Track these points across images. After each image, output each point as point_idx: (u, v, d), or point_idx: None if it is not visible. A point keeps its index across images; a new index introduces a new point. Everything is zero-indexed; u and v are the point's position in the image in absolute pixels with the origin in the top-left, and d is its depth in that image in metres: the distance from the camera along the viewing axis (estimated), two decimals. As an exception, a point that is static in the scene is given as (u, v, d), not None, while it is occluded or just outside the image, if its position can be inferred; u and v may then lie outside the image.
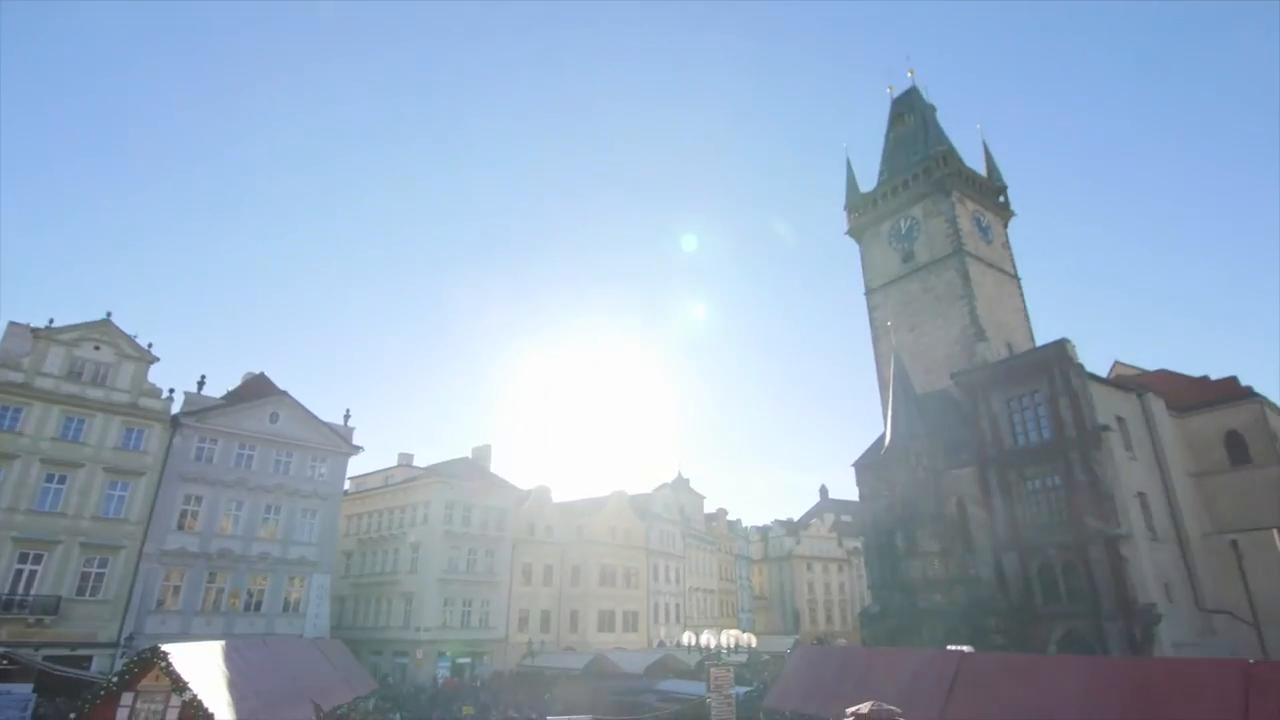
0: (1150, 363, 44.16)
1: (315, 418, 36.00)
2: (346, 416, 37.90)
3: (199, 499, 31.14)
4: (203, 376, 37.14)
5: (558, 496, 51.60)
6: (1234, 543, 31.71)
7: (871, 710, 8.59)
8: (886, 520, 37.70)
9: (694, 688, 24.41)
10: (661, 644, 47.91)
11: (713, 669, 17.47)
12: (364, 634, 41.94)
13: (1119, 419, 33.70)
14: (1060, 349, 34.10)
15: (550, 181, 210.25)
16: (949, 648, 19.98)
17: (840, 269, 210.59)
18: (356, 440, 37.60)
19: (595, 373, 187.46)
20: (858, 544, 64.25)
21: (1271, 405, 37.83)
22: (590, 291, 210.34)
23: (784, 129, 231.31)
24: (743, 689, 21.47)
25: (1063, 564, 31.17)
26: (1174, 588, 31.27)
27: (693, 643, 22.44)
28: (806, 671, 19.02)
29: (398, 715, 26.36)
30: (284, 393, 35.47)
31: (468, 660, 40.90)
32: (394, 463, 53.86)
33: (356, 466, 50.07)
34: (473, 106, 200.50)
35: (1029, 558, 32.30)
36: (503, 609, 43.61)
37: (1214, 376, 40.54)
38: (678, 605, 55.30)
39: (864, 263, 51.50)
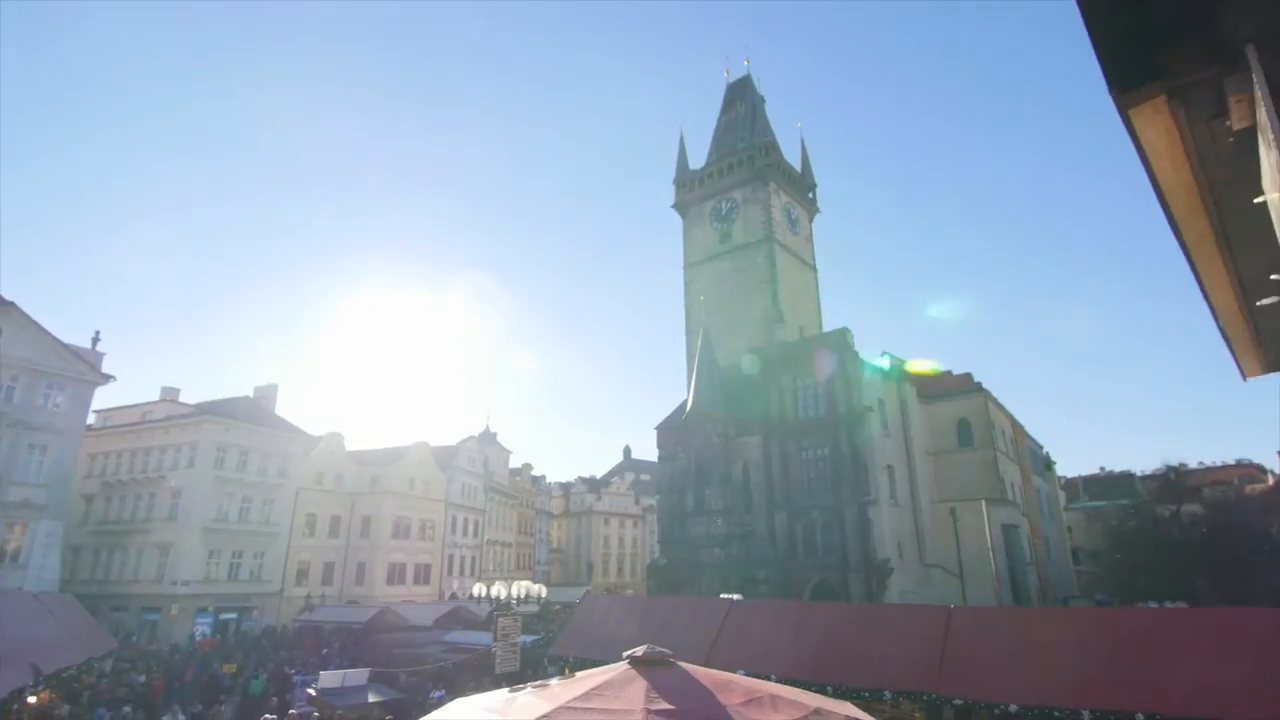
0: (911, 355, 51.03)
1: (52, 338, 30.18)
2: (95, 340, 32.21)
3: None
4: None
5: (353, 445, 48.56)
6: (953, 510, 38.11)
7: (645, 652, 9.03)
8: (680, 481, 40.25)
9: (481, 638, 24.49)
10: (454, 596, 47.42)
11: (500, 619, 17.60)
12: (105, 588, 36.64)
13: (880, 402, 38.75)
14: (841, 336, 38.28)
15: (371, 110, 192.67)
16: (722, 596, 21.95)
17: (664, 241, 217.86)
18: (109, 368, 32.18)
19: (403, 322, 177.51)
20: (653, 502, 68.03)
21: (993, 399, 45.62)
22: (403, 237, 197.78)
23: (633, 99, 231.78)
24: (530, 638, 21.92)
25: (822, 524, 35.51)
26: (905, 545, 36.97)
27: (483, 594, 22.45)
28: (593, 619, 19.82)
29: (142, 677, 23.48)
30: (10, 304, 29.24)
31: (233, 616, 37.47)
32: (156, 397, 47.06)
33: (107, 399, 43.15)
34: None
35: (796, 518, 36.37)
36: (279, 561, 40.37)
37: (956, 371, 48.00)
38: (474, 558, 54.94)
39: (686, 238, 53.58)
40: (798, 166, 55.41)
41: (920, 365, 49.18)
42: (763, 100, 58.19)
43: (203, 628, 35.13)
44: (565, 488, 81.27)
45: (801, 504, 36.43)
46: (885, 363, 47.66)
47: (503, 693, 9.23)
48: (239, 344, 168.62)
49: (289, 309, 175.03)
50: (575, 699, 7.92)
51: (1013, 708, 12.23)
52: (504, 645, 17.27)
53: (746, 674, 11.89)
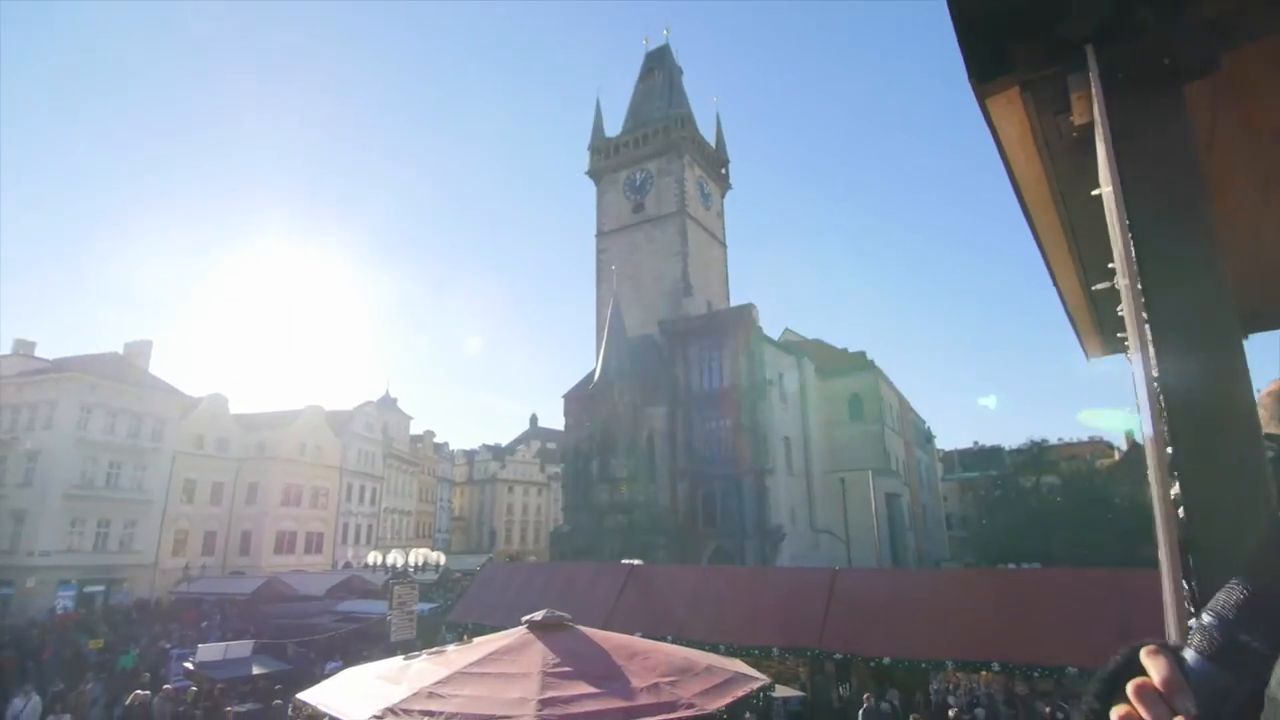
0: (811, 332, 53.32)
1: None
2: (-72, 283, 28.43)
3: None
4: None
5: (240, 408, 45.72)
6: (842, 479, 40.41)
7: (544, 617, 9.08)
8: (586, 449, 40.47)
9: (377, 607, 23.93)
10: (348, 565, 45.93)
11: (396, 586, 17.26)
12: (-58, 560, 32.98)
13: (780, 375, 40.29)
14: (746, 311, 39.34)
15: (272, 53, 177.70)
16: (623, 561, 22.40)
17: (576, 208, 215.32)
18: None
19: (297, 280, 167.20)
20: (559, 470, 68.15)
21: (883, 376, 48.39)
22: (298, 190, 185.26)
23: (550, 57, 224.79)
24: (427, 606, 21.62)
25: (721, 492, 36.80)
26: (797, 512, 38.93)
27: (379, 563, 21.88)
28: (493, 586, 19.79)
29: (-11, 655, 21.43)
30: None
31: (101, 589, 34.75)
32: (7, 351, 42.28)
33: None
34: None
35: (697, 486, 37.49)
36: (153, 530, 37.66)
37: (851, 349, 50.54)
38: (371, 526, 53.32)
39: (599, 205, 53.07)
40: (712, 141, 55.86)
41: (818, 342, 51.43)
42: (681, 72, 58.02)
43: (64, 601, 32.40)
44: (469, 455, 79.95)
45: (703, 473, 37.53)
46: (787, 339, 49.49)
47: (397, 660, 9.07)
48: (108, 297, 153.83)
49: (167, 261, 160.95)
50: (472, 664, 7.89)
51: (886, 660, 13.25)
52: (400, 613, 16.97)
53: (644, 636, 12.26)
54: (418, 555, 20.16)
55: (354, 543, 50.41)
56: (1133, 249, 1.02)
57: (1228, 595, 0.53)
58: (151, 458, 37.88)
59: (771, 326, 42.48)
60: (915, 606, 13.75)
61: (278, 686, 15.37)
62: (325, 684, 8.25)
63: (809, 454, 41.94)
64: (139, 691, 14.66)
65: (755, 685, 8.96)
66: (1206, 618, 0.53)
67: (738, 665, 10.31)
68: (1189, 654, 0.52)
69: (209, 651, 16.57)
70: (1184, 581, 0.80)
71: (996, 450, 65.96)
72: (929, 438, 64.31)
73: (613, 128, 55.33)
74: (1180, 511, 0.81)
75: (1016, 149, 1.45)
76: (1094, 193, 1.20)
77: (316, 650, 20.38)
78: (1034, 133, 1.40)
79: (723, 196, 56.10)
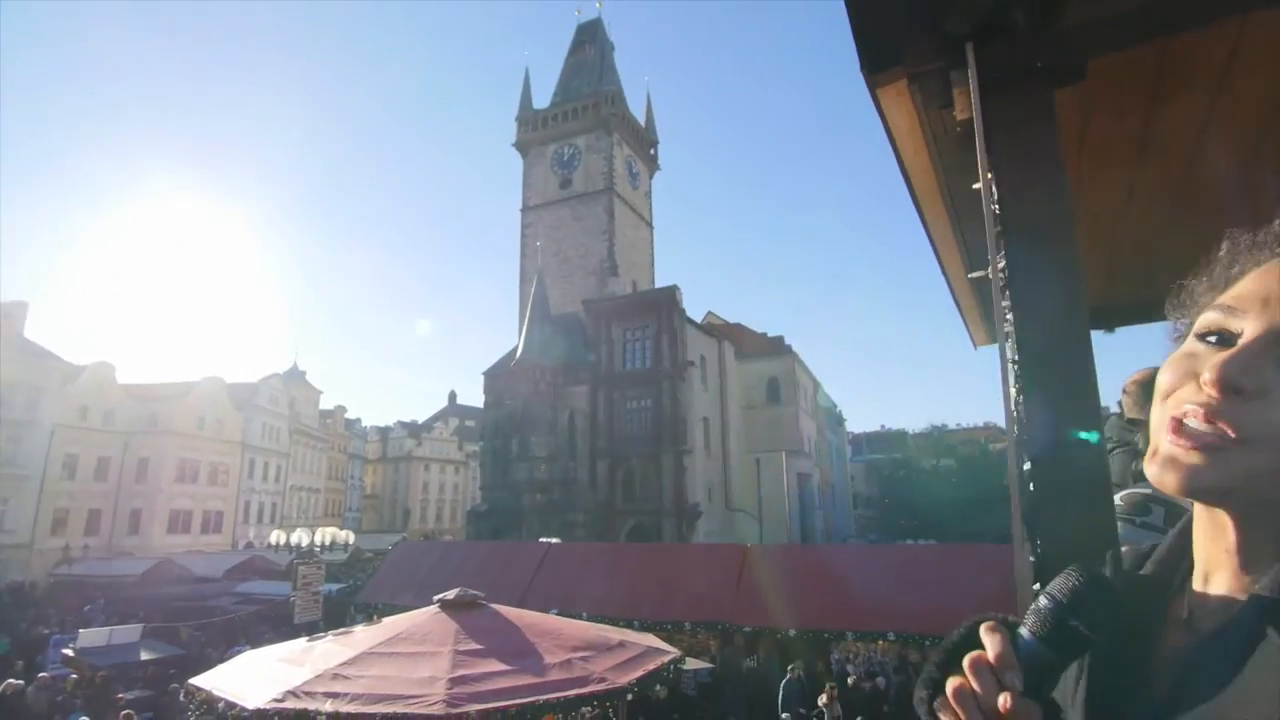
0: (732, 317, 54.31)
1: None
2: None
3: None
4: None
5: (130, 377, 42.54)
6: (757, 460, 41.69)
7: (456, 596, 8.99)
8: (506, 427, 40.04)
9: (280, 588, 23.00)
10: (250, 545, 43.84)
11: (300, 567, 16.63)
12: None
13: (702, 358, 40.99)
14: (671, 294, 39.69)
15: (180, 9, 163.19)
16: (540, 540, 22.39)
17: (502, 180, 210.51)
18: None
19: (200, 244, 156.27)
20: (477, 448, 67.09)
21: (800, 360, 50.02)
22: (201, 144, 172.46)
23: (475, 21, 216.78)
24: (335, 586, 20.96)
25: (641, 471, 37.26)
26: (714, 491, 39.92)
27: (282, 542, 20.99)
28: (406, 565, 19.39)
29: None
30: None
31: (-36, 571, 31.82)
32: None
33: None
34: None
35: (617, 465, 37.81)
36: (29, 509, 34.74)
37: (771, 334, 51.89)
38: (275, 505, 51.02)
39: (525, 179, 52.04)
40: (642, 121, 55.64)
41: (739, 326, 52.55)
42: (612, 47, 57.32)
43: (-81, 586, 29.50)
44: (383, 432, 77.53)
45: (623, 452, 37.85)
46: (709, 322, 50.27)
47: (300, 642, 8.75)
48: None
49: (48, 216, 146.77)
50: (380, 644, 7.72)
51: (792, 632, 13.86)
52: (305, 594, 16.38)
53: (560, 613, 12.34)
54: (325, 534, 19.43)
55: (256, 522, 48.11)
56: (999, 242, 1.09)
57: (1063, 581, 0.56)
58: (26, 430, 34.78)
59: (695, 309, 43.09)
60: (820, 580, 14.43)
61: (171, 671, 14.61)
62: (221, 668, 7.92)
63: (727, 435, 42.98)
64: (11, 681, 13.58)
65: (666, 659, 9.18)
66: (1043, 600, 0.56)
67: (650, 640, 10.52)
68: (1023, 632, 0.56)
69: (91, 637, 15.52)
70: (1029, 558, 0.87)
71: (901, 434, 69.56)
72: (840, 421, 67.12)
73: (541, 99, 54.22)
74: (1031, 486, 0.89)
75: (906, 140, 1.52)
76: (974, 186, 1.27)
77: (214, 634, 19.44)
78: (922, 125, 1.48)
79: (651, 177, 56.11)
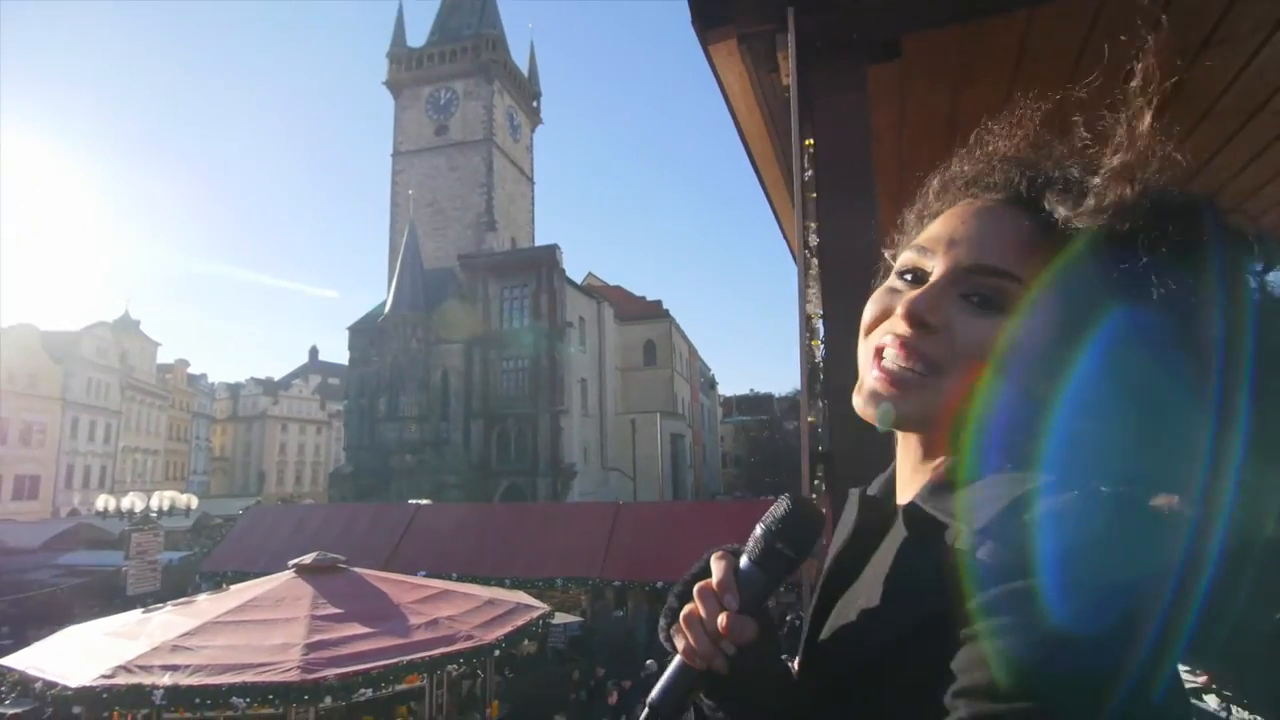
0: (613, 279, 54.52)
1: None
2: None
3: None
4: None
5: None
6: (633, 421, 42.55)
7: (314, 560, 8.63)
8: (373, 385, 38.22)
9: (112, 558, 20.93)
10: (75, 512, 39.38)
11: (135, 534, 15.19)
12: None
13: (581, 319, 40.95)
14: (551, 252, 39.13)
15: None
16: (409, 501, 21.77)
17: (372, 121, 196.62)
18: None
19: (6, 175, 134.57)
20: (341, 407, 63.62)
21: (676, 325, 51.21)
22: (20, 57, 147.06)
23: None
24: (177, 554, 19.37)
25: (516, 432, 36.98)
26: (590, 451, 40.40)
27: (113, 508, 18.99)
28: (260, 530, 18.28)
29: None
30: None
31: None
32: None
33: None
34: None
35: (493, 425, 37.28)
36: None
37: (650, 298, 52.64)
38: (105, 468, 46.04)
39: (397, 122, 48.85)
40: (525, 71, 53.69)
41: (619, 289, 52.87)
42: (495, -13, 54.53)
43: None
44: (233, 389, 71.59)
45: (499, 412, 37.33)
46: (589, 283, 50.17)
47: (134, 614, 8.07)
48: None
49: None
50: (227, 613, 7.28)
51: (660, 584, 14.46)
52: (140, 563, 15.04)
53: (428, 574, 12.13)
54: (164, 499, 17.77)
55: (82, 487, 43.21)
56: (811, 209, 1.16)
57: (774, 510, 0.63)
58: None
59: (575, 269, 42.76)
60: (688, 534, 15.10)
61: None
62: (39, 645, 7.21)
63: (604, 396, 43.45)
64: None
65: (535, 614, 9.34)
66: (758, 528, 0.62)
67: (520, 597, 10.64)
68: (743, 559, 0.62)
69: None
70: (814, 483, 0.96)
71: (768, 397, 73.38)
72: (712, 384, 69.72)
73: (417, 37, 50.78)
74: (820, 430, 0.97)
75: (740, 101, 1.57)
76: (808, 143, 1.33)
77: (31, 611, 17.44)
78: (754, 87, 1.52)
79: (533, 131, 54.51)
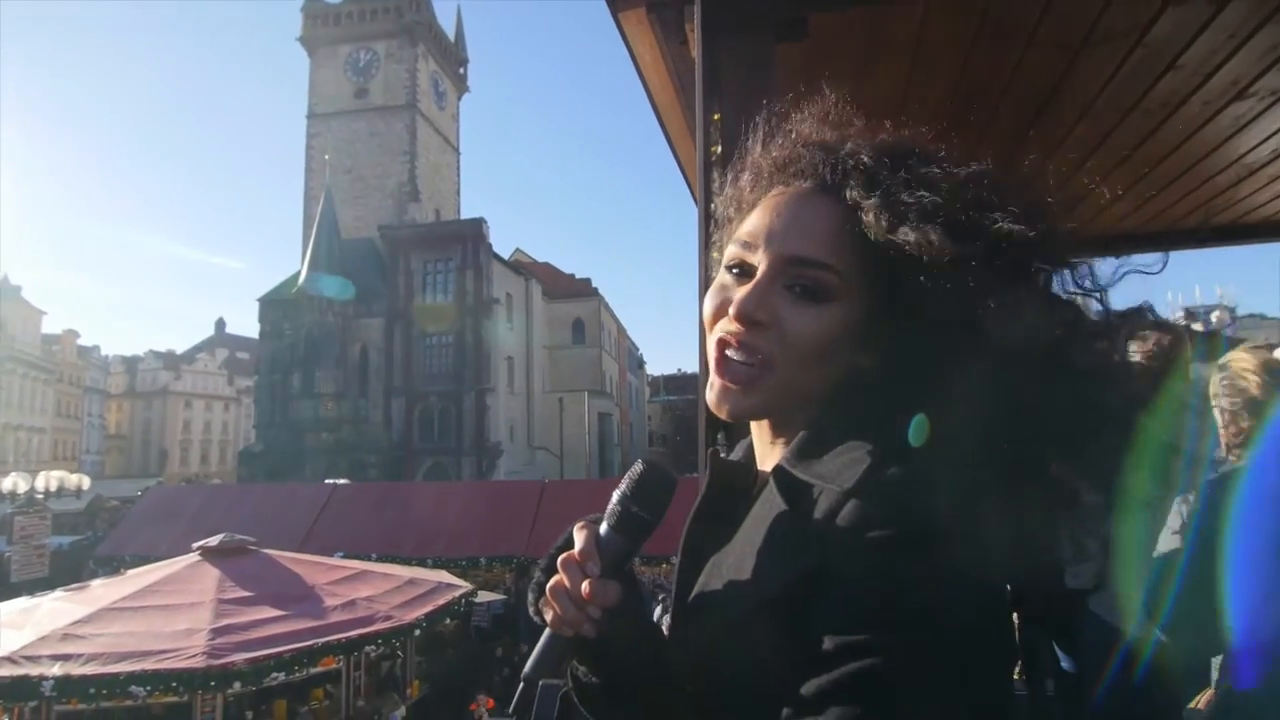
0: (541, 256, 53.63)
1: None
2: None
3: None
4: None
5: None
6: (560, 399, 42.35)
7: (221, 542, 8.28)
8: (286, 360, 36.54)
9: (-9, 544, 19.37)
10: (-56, 496, 36.14)
11: (18, 518, 14.08)
12: None
13: (508, 295, 40.26)
14: (477, 226, 38.21)
15: None
16: (326, 481, 21.04)
17: (286, 79, 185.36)
18: None
19: None
20: (251, 383, 60.55)
21: (606, 304, 51.12)
22: None
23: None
24: (67, 539, 18.10)
25: (440, 409, 36.21)
26: (516, 429, 40.03)
27: (-7, 490, 17.51)
28: (161, 512, 17.28)
29: None
30: None
31: None
32: None
33: None
34: None
35: (415, 402, 36.35)
36: None
37: (579, 276, 52.24)
38: (-20, 447, 42.29)
39: (312, 81, 46.27)
40: (451, 35, 51.75)
41: (548, 266, 52.22)
42: (419, -55, 52.12)
43: None
44: (130, 362, 66.91)
45: (421, 389, 36.40)
46: (517, 259, 49.32)
47: (19, 602, 7.53)
48: None
49: None
50: (124, 598, 6.89)
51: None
52: (24, 548, 13.98)
53: (346, 555, 11.79)
54: (51, 479, 16.48)
55: (-47, 468, 39.61)
56: (708, 188, 1.18)
57: (630, 474, 0.65)
58: None
59: (502, 245, 41.83)
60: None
61: None
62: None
63: (531, 374, 43.03)
64: None
65: (457, 593, 9.26)
66: (615, 495, 0.65)
67: (442, 576, 10.51)
68: (603, 526, 0.65)
69: None
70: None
71: (694, 378, 74.20)
72: (640, 364, 70.16)
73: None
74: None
75: (651, 73, 1.57)
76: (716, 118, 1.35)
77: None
78: (664, 59, 1.53)
79: (459, 99, 52.77)
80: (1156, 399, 0.62)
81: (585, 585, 0.61)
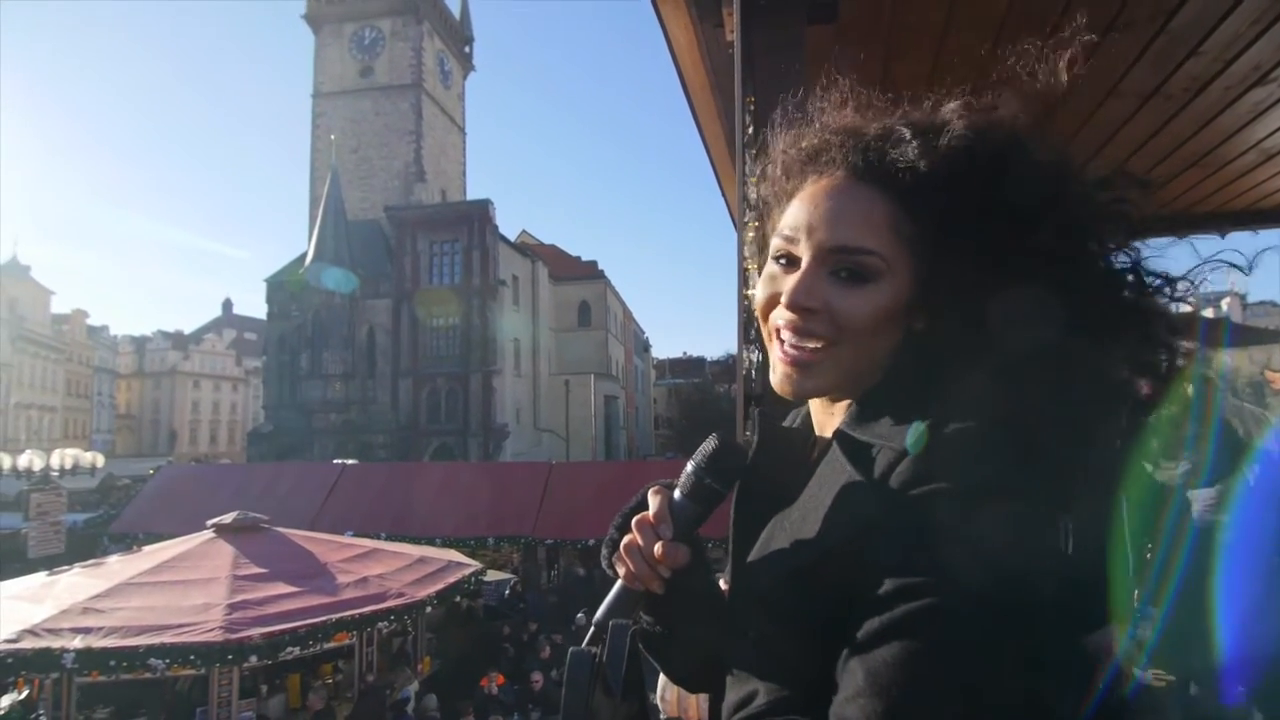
0: (548, 238, 53.44)
1: None
2: None
3: None
4: None
5: None
6: (566, 381, 42.45)
7: (235, 520, 8.39)
8: (294, 341, 36.69)
9: (9, 520, 19.65)
10: (-42, 473, 36.58)
11: (34, 495, 14.28)
12: None
13: (514, 277, 40.21)
14: (483, 207, 38.05)
15: None
16: (335, 461, 21.23)
17: (292, 57, 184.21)
18: None
19: None
20: (259, 364, 60.81)
21: (612, 286, 51.01)
22: None
23: None
24: (82, 515, 18.35)
25: (447, 391, 36.35)
26: (522, 412, 40.18)
27: (7, 467, 17.69)
28: (173, 491, 17.50)
29: None
30: None
31: None
32: None
33: None
34: None
35: (422, 384, 36.50)
36: None
37: (585, 258, 52.09)
38: (-7, 425, 42.74)
39: (317, 60, 45.84)
40: (456, 13, 51.19)
41: (554, 248, 52.08)
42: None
43: None
44: (139, 342, 67.25)
45: (428, 371, 36.53)
46: (523, 241, 49.21)
47: (39, 577, 7.67)
48: None
49: None
50: (141, 574, 7.01)
51: (592, 542, 14.72)
52: (41, 525, 14.19)
53: (355, 534, 11.94)
54: (66, 457, 16.70)
55: (-33, 446, 40.07)
56: (750, 169, 1.20)
57: (704, 447, 0.70)
58: None
59: (509, 226, 41.70)
60: (620, 492, 15.33)
61: None
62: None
63: (537, 356, 43.09)
64: None
65: (467, 571, 9.37)
66: (689, 465, 0.70)
67: (451, 555, 10.63)
68: (677, 493, 0.70)
69: None
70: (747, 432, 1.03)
71: (700, 361, 74.46)
72: (646, 347, 70.17)
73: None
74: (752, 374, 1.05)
75: (685, 56, 1.59)
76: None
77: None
78: (699, 41, 1.55)
79: (464, 78, 52.33)
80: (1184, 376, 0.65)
81: (658, 547, 0.67)
